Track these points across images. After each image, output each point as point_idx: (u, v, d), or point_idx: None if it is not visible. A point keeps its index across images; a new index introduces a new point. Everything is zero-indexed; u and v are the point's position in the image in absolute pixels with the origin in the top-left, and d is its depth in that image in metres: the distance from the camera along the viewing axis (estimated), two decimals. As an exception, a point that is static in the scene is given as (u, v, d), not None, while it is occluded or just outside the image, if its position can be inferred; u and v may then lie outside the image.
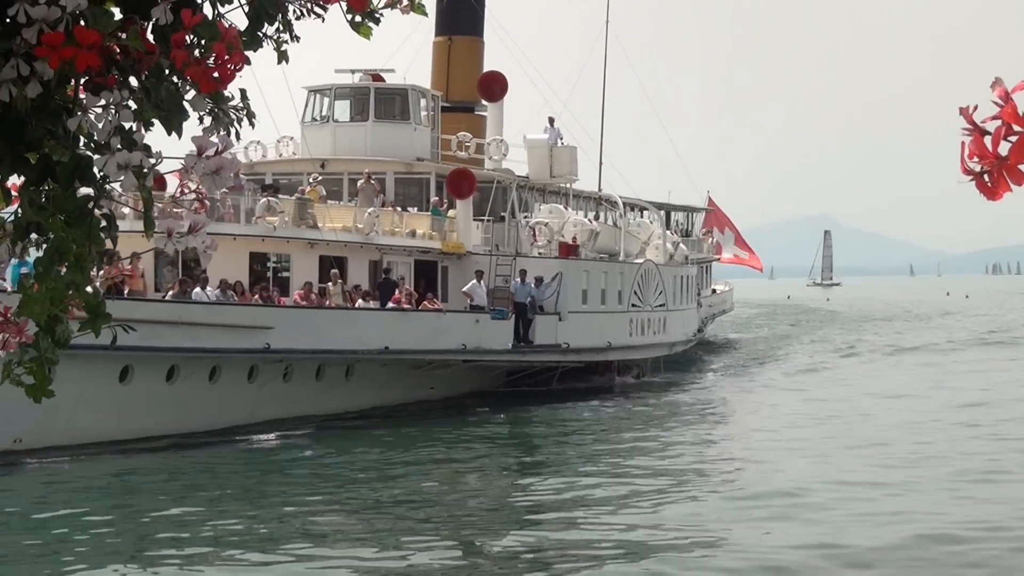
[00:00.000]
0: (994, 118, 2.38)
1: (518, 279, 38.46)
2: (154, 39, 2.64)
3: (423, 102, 41.78)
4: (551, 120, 45.89)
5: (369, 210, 36.23)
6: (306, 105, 41.41)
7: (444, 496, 22.52)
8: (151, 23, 2.64)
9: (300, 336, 30.90)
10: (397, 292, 35.36)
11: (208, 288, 30.72)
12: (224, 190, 2.61)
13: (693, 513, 20.14)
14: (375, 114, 40.75)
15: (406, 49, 42.56)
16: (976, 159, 2.41)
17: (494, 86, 43.38)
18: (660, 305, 48.08)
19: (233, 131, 2.83)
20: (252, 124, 2.89)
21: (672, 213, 66.73)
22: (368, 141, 40.39)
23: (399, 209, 38.43)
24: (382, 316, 34.08)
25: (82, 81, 2.62)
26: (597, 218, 49.74)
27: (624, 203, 53.24)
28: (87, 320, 2.74)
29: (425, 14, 2.93)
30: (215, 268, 31.36)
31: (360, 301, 34.32)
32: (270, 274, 34.34)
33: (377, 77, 41.60)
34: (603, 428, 32.75)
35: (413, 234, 38.04)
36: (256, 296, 32.06)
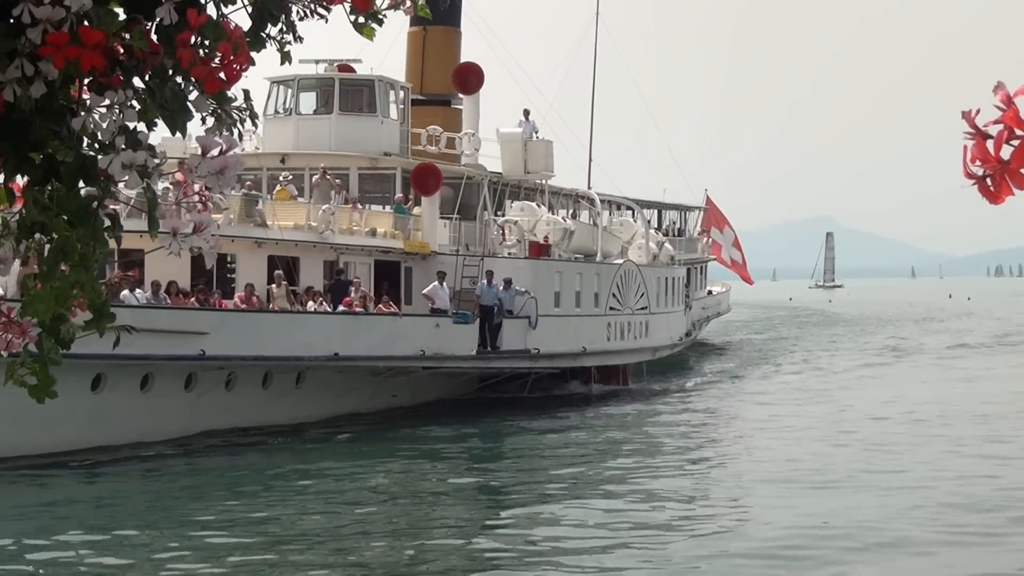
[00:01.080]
0: (996, 122, 2.40)
1: (484, 281, 36.69)
2: (158, 39, 2.66)
3: (392, 94, 39.96)
4: (526, 113, 44.14)
5: (324, 207, 34.51)
6: (268, 97, 39.60)
7: (397, 524, 20.41)
8: (155, 23, 2.65)
9: (239, 342, 29.16)
10: (352, 294, 33.52)
11: (138, 290, 29.23)
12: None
13: (669, 550, 18.11)
14: (339, 106, 38.84)
15: (378, 39, 41.30)
16: (978, 163, 2.43)
17: (470, 78, 41.10)
18: (642, 308, 45.92)
19: (236, 131, 2.84)
20: (255, 124, 2.91)
21: (665, 212, 65.55)
22: (332, 135, 38.54)
23: (359, 206, 36.87)
24: (331, 320, 32.40)
25: (86, 81, 2.64)
26: (575, 217, 48.01)
27: (607, 201, 51.49)
28: (91, 320, 2.75)
29: (429, 16, 2.95)
30: (155, 269, 29.94)
31: (311, 304, 32.66)
32: (215, 275, 32.42)
33: (345, 68, 39.69)
34: (574, 443, 30.54)
35: (373, 233, 36.28)
36: (193, 299, 30.31)
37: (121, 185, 2.74)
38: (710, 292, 70.21)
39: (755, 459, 27.51)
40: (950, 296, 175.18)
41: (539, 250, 40.93)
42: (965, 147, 2.46)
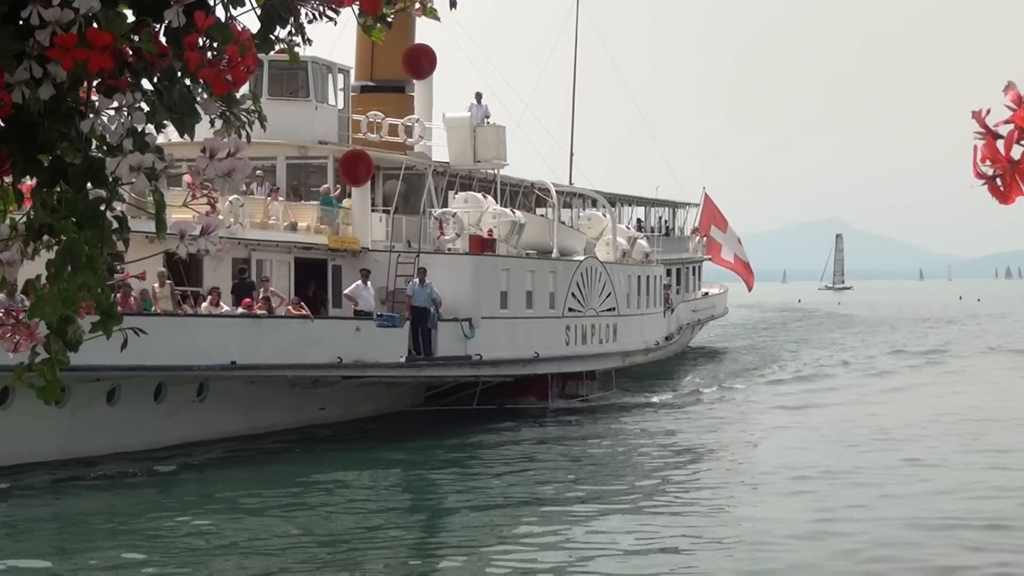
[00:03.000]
0: (1006, 122, 2.40)
1: (416, 280, 33.40)
2: (166, 42, 2.67)
3: (330, 78, 37.12)
4: (478, 96, 40.11)
5: (231, 198, 30.68)
6: None
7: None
8: (163, 26, 2.66)
9: (110, 349, 24.95)
10: (261, 293, 30.70)
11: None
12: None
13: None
14: (268, 90, 35.47)
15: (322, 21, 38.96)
16: (988, 163, 2.43)
17: (421, 60, 39.02)
18: (608, 309, 42.37)
19: (244, 134, 2.85)
20: (263, 127, 2.92)
21: (652, 209, 62.80)
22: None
23: (279, 198, 34.14)
24: (228, 324, 29.05)
25: (95, 83, 2.65)
26: (533, 210, 44.25)
27: (578, 195, 48.54)
28: (98, 322, 2.76)
29: (438, 19, 2.96)
30: (29, 270, 27.38)
31: (206, 305, 29.76)
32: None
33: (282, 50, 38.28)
34: (512, 467, 26.87)
35: (294, 227, 33.52)
36: None
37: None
38: (706, 294, 66.80)
39: (732, 495, 23.76)
40: (960, 298, 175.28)
41: (482, 245, 37.26)
42: (975, 147, 2.47)
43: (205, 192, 2.88)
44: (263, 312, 29.94)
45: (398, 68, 40.75)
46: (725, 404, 39.49)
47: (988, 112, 2.44)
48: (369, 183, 34.03)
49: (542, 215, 44.07)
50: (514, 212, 39.86)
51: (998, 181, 2.45)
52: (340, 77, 38.15)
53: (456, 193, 39.56)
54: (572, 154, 56.37)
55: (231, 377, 28.77)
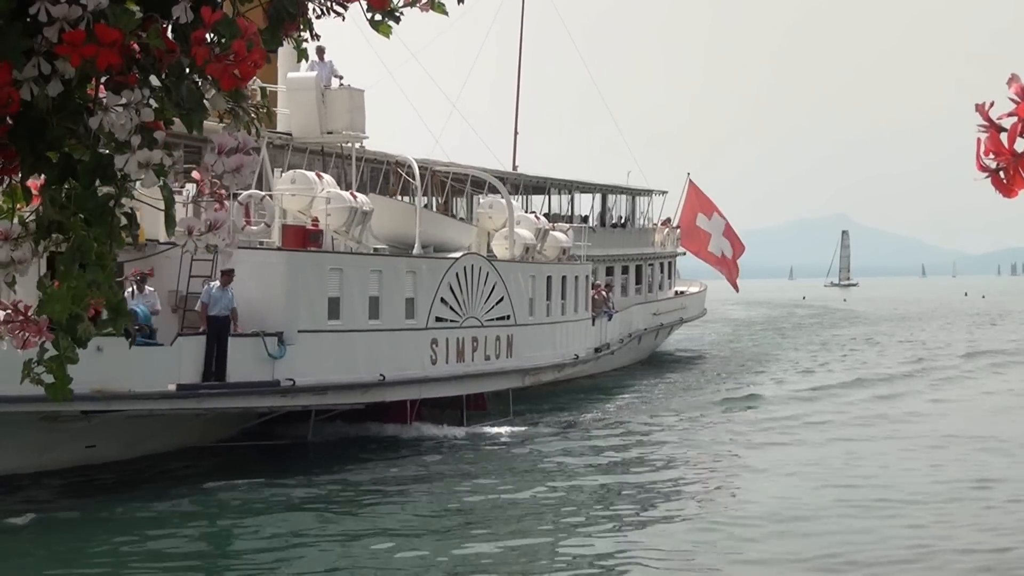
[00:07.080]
0: (1010, 115, 2.42)
1: (216, 283, 26.64)
2: (174, 38, 2.69)
3: None
4: (320, 51, 32.66)
5: None
6: None
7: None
8: (171, 22, 2.68)
9: None
10: None
11: None
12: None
13: None
14: None
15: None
16: (992, 156, 2.45)
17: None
18: (500, 318, 35.06)
19: (253, 130, 2.87)
20: (272, 122, 2.94)
21: (609, 196, 56.03)
22: None
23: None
24: None
25: (103, 80, 2.67)
26: (414, 193, 36.74)
27: (478, 179, 41.93)
28: (108, 319, 2.78)
29: (446, 13, 2.98)
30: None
31: None
32: None
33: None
34: (337, 526, 21.04)
35: None
36: None
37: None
38: (680, 293, 59.30)
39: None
40: (966, 294, 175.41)
41: (302, 238, 29.77)
42: (979, 140, 2.48)
43: (214, 188, 2.91)
44: None
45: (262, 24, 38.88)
46: (671, 432, 32.36)
47: (992, 105, 2.46)
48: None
49: (407, 202, 37.02)
50: (355, 197, 31.68)
51: (1001, 174, 2.47)
52: None
53: (282, 172, 31.94)
54: (516, 132, 51.47)
55: None
